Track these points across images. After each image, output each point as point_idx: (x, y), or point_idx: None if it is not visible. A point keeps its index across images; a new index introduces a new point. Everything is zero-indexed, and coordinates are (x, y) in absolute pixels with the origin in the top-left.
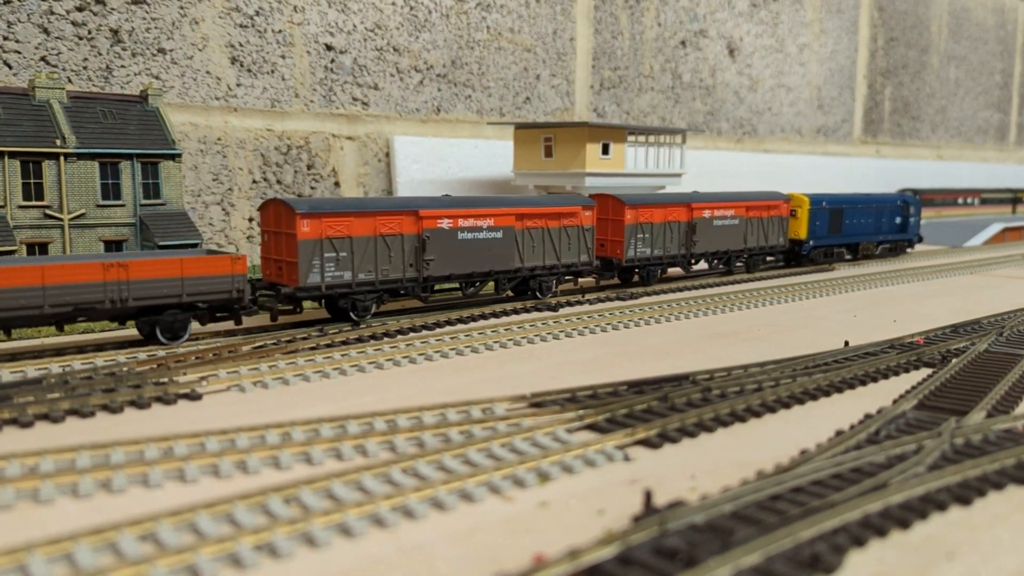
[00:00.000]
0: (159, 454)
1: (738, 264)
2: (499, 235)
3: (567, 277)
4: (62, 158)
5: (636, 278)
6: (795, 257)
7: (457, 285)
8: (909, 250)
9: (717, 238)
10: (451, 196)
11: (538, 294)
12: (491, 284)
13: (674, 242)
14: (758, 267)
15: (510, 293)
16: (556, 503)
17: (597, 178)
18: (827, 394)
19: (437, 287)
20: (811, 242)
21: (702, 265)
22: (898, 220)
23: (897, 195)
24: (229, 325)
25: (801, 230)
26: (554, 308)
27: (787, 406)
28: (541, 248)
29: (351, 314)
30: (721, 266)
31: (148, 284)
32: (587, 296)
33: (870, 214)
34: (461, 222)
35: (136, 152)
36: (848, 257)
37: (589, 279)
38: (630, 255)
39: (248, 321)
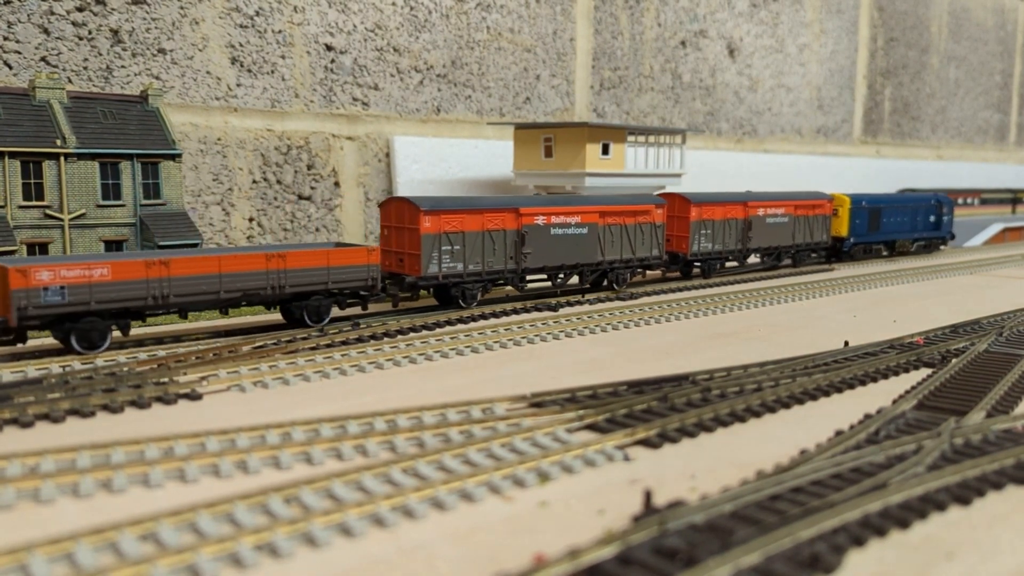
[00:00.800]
0: (159, 454)
1: (786, 260)
2: (585, 231)
3: (639, 269)
4: (62, 158)
5: (697, 271)
6: (836, 253)
7: (546, 277)
8: (943, 247)
9: (769, 235)
10: (543, 195)
11: (615, 285)
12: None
13: (732, 238)
14: (803, 262)
15: (587, 285)
16: (556, 503)
17: (597, 178)
18: (827, 394)
19: (529, 278)
20: (852, 239)
21: (753, 260)
22: (932, 219)
23: (931, 195)
24: (227, 325)
25: (843, 228)
26: (554, 308)
27: (787, 406)
28: (619, 243)
29: (460, 301)
30: (770, 261)
31: (301, 273)
32: (587, 296)
33: (906, 213)
34: (554, 219)
35: (136, 152)
36: (885, 253)
37: (657, 272)
38: (694, 249)
39: (250, 321)
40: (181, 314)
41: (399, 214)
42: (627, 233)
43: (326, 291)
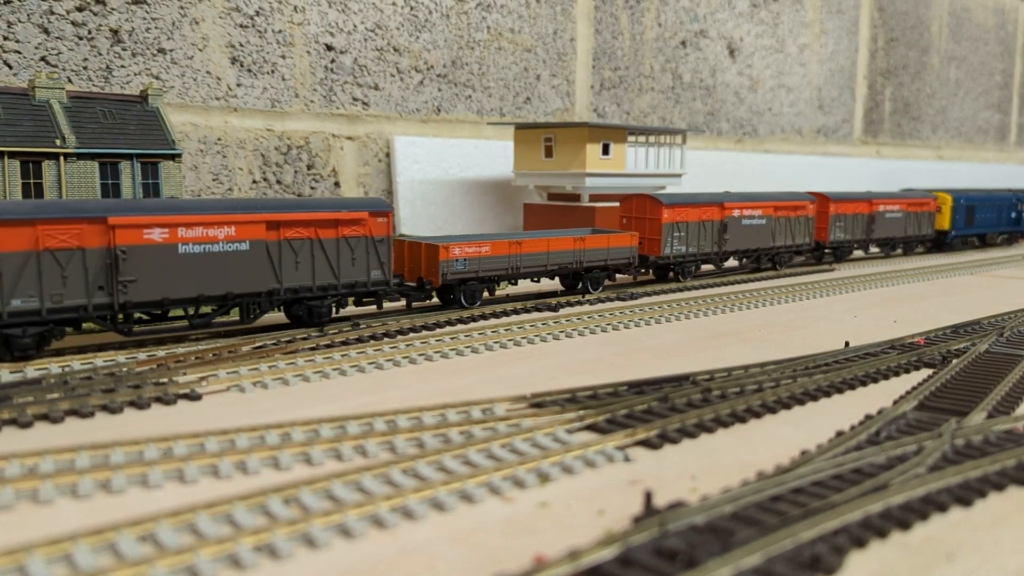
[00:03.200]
0: (159, 454)
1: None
2: (764, 222)
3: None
4: (62, 158)
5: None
6: (939, 245)
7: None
8: (1022, 239)
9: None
10: (730, 192)
11: (778, 267)
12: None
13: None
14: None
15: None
16: (556, 504)
17: (597, 178)
18: (827, 395)
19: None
20: (953, 232)
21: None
22: (1013, 215)
23: (1013, 195)
24: (228, 327)
25: (945, 222)
26: (554, 308)
27: (787, 407)
28: (785, 232)
29: (679, 277)
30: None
31: (593, 252)
32: (587, 297)
33: (993, 209)
34: (745, 211)
35: (136, 152)
36: (977, 244)
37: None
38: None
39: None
40: (512, 281)
41: (640, 207)
42: (788, 225)
43: (604, 266)
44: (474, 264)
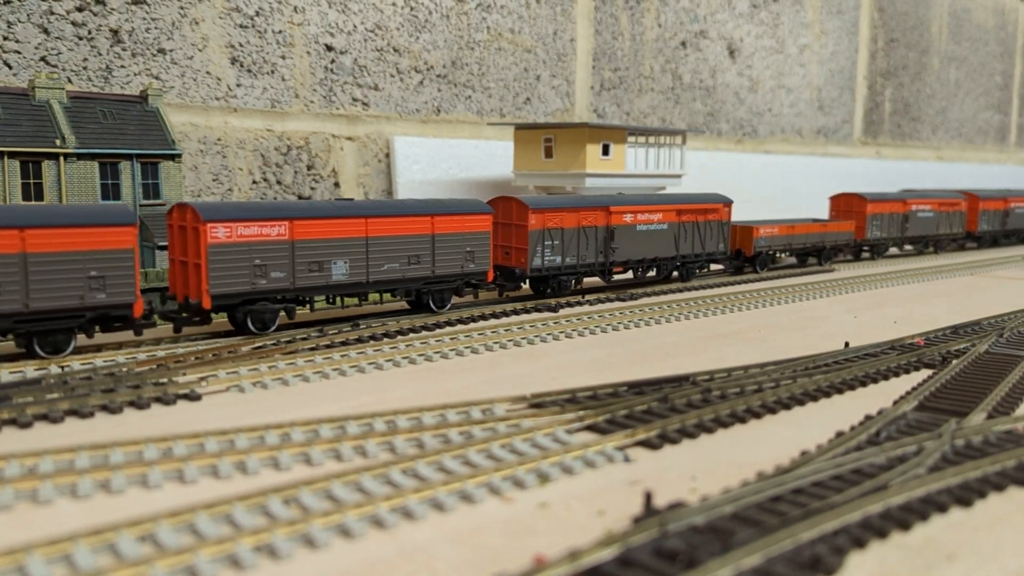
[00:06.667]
0: (158, 455)
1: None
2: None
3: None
4: (62, 158)
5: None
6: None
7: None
8: None
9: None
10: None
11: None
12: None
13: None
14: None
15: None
16: (556, 504)
17: (597, 179)
18: (827, 395)
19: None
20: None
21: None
22: None
23: None
24: (226, 327)
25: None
26: (554, 308)
27: (787, 407)
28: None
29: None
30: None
31: (820, 236)
32: (587, 296)
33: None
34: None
35: (136, 152)
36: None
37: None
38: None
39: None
40: (788, 253)
41: (507, 212)
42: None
43: (822, 247)
44: (770, 241)
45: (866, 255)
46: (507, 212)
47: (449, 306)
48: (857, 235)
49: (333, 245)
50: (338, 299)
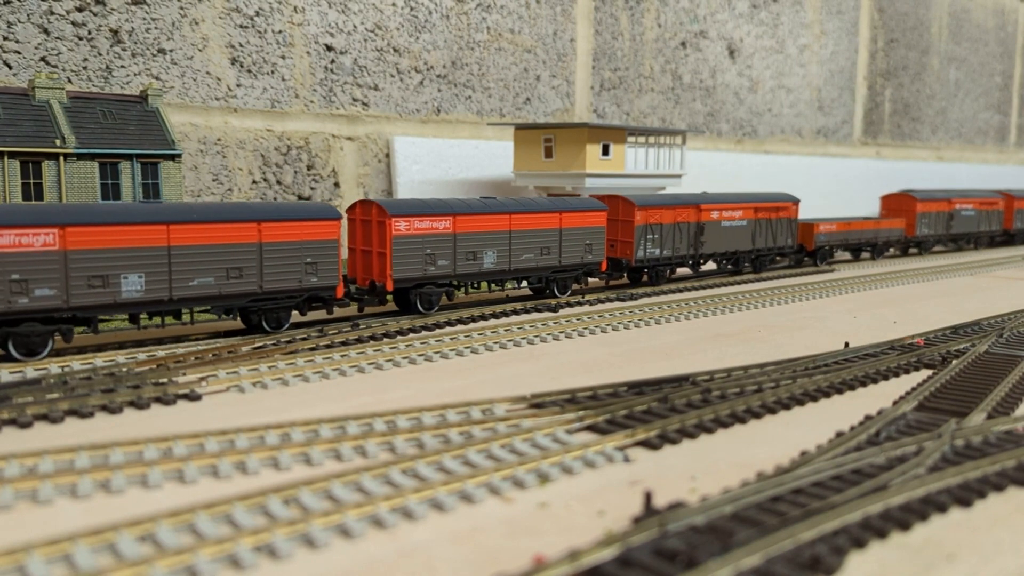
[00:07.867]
0: (158, 455)
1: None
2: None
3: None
4: (62, 158)
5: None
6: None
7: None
8: None
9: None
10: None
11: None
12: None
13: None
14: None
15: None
16: (556, 504)
17: (597, 179)
18: (827, 395)
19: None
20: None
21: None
22: None
23: None
24: (232, 326)
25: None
26: (554, 309)
27: (787, 407)
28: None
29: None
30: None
31: (875, 232)
32: (587, 296)
33: None
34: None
35: (136, 152)
36: None
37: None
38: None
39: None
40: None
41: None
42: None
43: (875, 243)
44: (829, 236)
45: (913, 251)
46: (614, 209)
47: (569, 292)
48: (908, 232)
49: (486, 238)
50: (483, 284)
